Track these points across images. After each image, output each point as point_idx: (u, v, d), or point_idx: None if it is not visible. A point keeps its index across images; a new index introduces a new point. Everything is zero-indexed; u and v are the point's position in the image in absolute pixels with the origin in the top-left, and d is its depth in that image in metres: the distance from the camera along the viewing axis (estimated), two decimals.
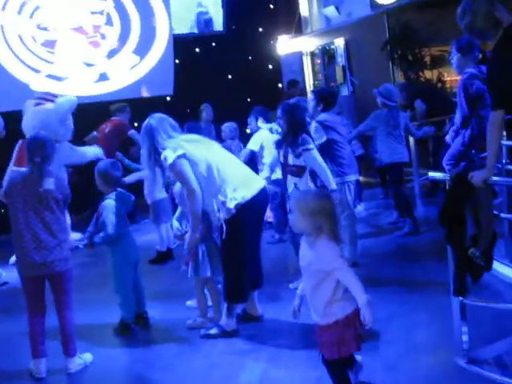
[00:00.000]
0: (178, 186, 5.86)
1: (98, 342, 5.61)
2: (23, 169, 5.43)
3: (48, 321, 5.16)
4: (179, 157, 5.20)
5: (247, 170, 5.63)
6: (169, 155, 5.21)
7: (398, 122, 8.10)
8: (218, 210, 5.25)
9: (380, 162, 8.81)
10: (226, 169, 5.31)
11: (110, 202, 5.67)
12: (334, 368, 3.95)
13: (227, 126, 9.31)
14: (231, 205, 5.19)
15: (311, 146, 6.16)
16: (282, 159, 6.39)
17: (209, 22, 13.42)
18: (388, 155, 8.16)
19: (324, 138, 6.77)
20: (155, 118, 5.47)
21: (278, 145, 6.50)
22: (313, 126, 6.78)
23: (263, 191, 5.44)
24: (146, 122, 5.48)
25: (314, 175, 6.31)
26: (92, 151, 8.42)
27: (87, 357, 5.23)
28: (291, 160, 6.27)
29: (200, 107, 10.92)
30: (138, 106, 11.69)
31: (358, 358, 4.12)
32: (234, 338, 5.40)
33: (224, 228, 5.28)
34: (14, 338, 5.84)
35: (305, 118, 6.45)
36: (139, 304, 5.93)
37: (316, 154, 6.20)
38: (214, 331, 5.48)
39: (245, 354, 5.11)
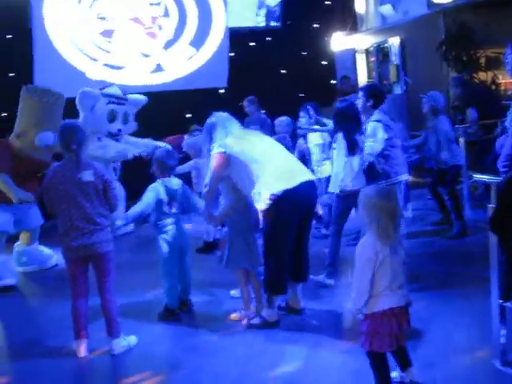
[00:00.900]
0: None
1: (142, 326, 5.75)
2: None
3: (96, 301, 5.32)
4: (220, 153, 5.54)
5: (293, 163, 5.72)
6: (215, 148, 5.59)
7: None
8: (256, 201, 5.41)
9: (438, 163, 8.76)
10: (267, 162, 5.45)
11: (155, 185, 5.87)
12: (372, 359, 4.04)
13: (282, 121, 9.31)
14: (267, 195, 5.32)
15: (334, 145, 6.60)
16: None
17: (271, 14, 13.49)
18: (450, 157, 8.20)
19: (386, 136, 6.82)
20: (217, 116, 5.82)
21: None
22: (372, 125, 6.81)
23: (307, 185, 5.49)
24: (209, 120, 5.84)
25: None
26: (144, 143, 8.71)
27: (131, 339, 5.36)
28: None
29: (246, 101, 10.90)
30: (191, 98, 11.88)
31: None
32: (276, 329, 5.50)
33: (262, 219, 5.46)
34: (63, 318, 6.01)
35: (351, 121, 6.56)
36: (184, 291, 6.06)
37: (336, 154, 6.60)
38: (256, 321, 5.60)
39: (285, 344, 5.21)
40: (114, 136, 8.60)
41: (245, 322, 5.65)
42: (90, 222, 5.10)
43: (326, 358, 4.90)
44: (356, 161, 6.52)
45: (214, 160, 5.58)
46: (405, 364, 4.23)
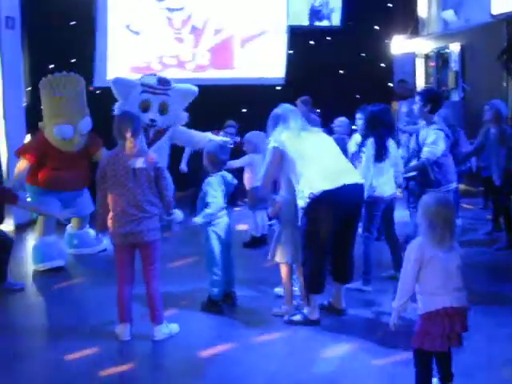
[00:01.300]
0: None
1: (184, 314, 5.85)
2: None
3: (142, 288, 5.44)
4: (274, 147, 5.62)
5: (341, 165, 5.69)
6: (271, 142, 5.68)
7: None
8: (298, 198, 5.48)
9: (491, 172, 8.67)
10: (313, 160, 5.49)
11: (213, 180, 5.92)
12: (418, 358, 4.09)
13: (342, 122, 9.26)
14: (306, 194, 5.38)
15: (364, 149, 6.52)
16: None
17: (316, 14, 13.46)
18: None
19: (444, 147, 6.81)
20: (282, 109, 5.89)
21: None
22: (434, 133, 6.79)
23: (351, 188, 5.48)
24: (274, 111, 5.91)
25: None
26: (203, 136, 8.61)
27: (174, 327, 5.46)
28: None
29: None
30: (248, 93, 11.96)
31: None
32: (316, 327, 5.54)
33: (301, 216, 5.52)
34: (109, 301, 6.14)
35: (384, 125, 6.53)
36: (228, 283, 6.14)
37: (364, 159, 6.51)
38: (297, 318, 5.64)
39: (324, 343, 5.25)
40: (149, 126, 8.25)
41: (286, 317, 5.70)
42: (140, 209, 5.21)
43: (364, 360, 4.92)
44: (386, 167, 6.52)
45: (268, 154, 5.69)
46: (446, 376, 4.22)
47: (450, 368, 4.21)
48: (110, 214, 5.31)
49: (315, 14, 13.40)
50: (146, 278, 5.36)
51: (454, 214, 4.21)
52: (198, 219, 5.82)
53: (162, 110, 8.22)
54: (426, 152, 6.72)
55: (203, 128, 9.13)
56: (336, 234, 5.68)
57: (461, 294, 4.05)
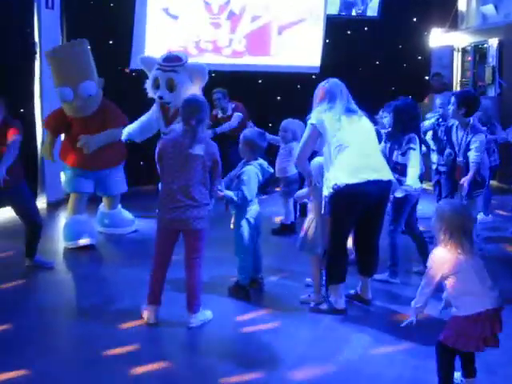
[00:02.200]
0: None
1: (212, 299, 5.85)
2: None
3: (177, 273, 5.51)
4: (313, 124, 5.59)
5: (370, 158, 5.59)
6: (311, 118, 5.65)
7: None
8: (325, 187, 5.50)
9: None
10: (346, 150, 5.44)
11: (252, 169, 5.91)
12: (442, 354, 4.11)
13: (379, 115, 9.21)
14: (330, 184, 5.39)
15: (415, 146, 6.28)
16: (387, 153, 6.50)
17: (354, 4, 13.41)
18: None
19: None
20: (331, 84, 5.79)
21: (387, 138, 6.63)
22: (480, 138, 6.81)
23: (375, 183, 5.43)
24: (321, 84, 5.86)
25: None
26: None
27: (208, 313, 5.47)
28: (395, 157, 6.43)
29: None
30: (283, 81, 11.97)
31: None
32: (342, 316, 5.58)
33: (324, 204, 5.54)
34: (137, 281, 6.23)
35: (413, 120, 6.45)
36: (256, 269, 6.19)
37: (416, 154, 6.31)
38: (323, 306, 5.69)
39: (348, 333, 5.29)
40: (166, 103, 8.41)
41: (312, 305, 5.75)
42: (188, 197, 5.17)
43: (387, 351, 4.95)
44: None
45: (307, 130, 5.69)
46: (469, 372, 4.26)
47: (473, 364, 4.23)
48: (161, 196, 5.34)
49: (346, 5, 13.33)
50: (188, 266, 5.34)
51: (472, 221, 4.25)
52: (231, 193, 5.81)
53: (170, 86, 8.23)
54: (476, 157, 6.77)
55: None
56: (359, 228, 5.77)
57: (496, 294, 4.06)
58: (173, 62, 8.29)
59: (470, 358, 4.21)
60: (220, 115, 10.61)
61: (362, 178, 5.37)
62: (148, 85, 8.35)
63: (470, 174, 6.77)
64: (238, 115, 10.44)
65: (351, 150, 5.47)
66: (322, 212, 5.59)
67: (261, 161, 6.02)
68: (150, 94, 8.40)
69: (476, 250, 4.13)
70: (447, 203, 4.25)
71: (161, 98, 8.25)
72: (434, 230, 4.15)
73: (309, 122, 5.63)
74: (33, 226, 6.76)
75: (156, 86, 8.25)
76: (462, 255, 4.00)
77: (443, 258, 4.02)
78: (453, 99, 6.92)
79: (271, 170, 6.18)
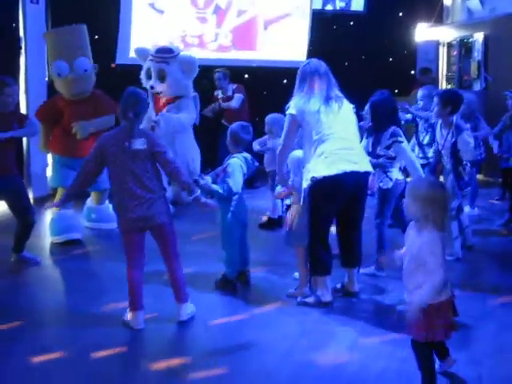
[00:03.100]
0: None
1: (198, 293, 5.84)
2: None
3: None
4: (292, 115, 5.55)
5: (349, 150, 5.54)
6: (290, 106, 5.60)
7: None
8: (304, 179, 5.51)
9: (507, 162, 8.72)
10: (325, 142, 5.43)
11: (236, 161, 5.89)
12: (420, 351, 4.11)
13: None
14: (308, 176, 5.42)
15: (401, 138, 6.28)
16: (370, 148, 6.50)
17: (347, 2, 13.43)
18: None
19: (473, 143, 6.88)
20: (310, 65, 5.73)
21: (368, 134, 6.64)
22: (466, 136, 6.82)
23: (352, 175, 5.42)
24: (302, 65, 5.79)
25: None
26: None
27: (192, 306, 5.44)
28: (378, 151, 6.44)
29: None
30: (269, 75, 11.99)
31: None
32: (328, 309, 5.59)
33: (303, 196, 5.55)
34: (123, 276, 6.22)
35: (391, 114, 6.45)
36: (243, 262, 6.19)
37: (406, 146, 6.38)
38: (310, 300, 5.69)
39: (335, 325, 5.31)
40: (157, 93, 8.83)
41: (299, 299, 5.76)
42: (147, 191, 5.03)
43: (374, 343, 4.97)
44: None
45: (286, 121, 5.66)
46: (443, 353, 4.31)
47: (444, 345, 4.27)
48: (116, 199, 5.19)
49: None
50: (166, 259, 5.29)
51: (449, 196, 4.18)
52: (217, 187, 5.78)
53: (160, 77, 8.67)
54: (469, 156, 6.83)
55: None
56: (339, 220, 5.80)
57: (449, 284, 4.05)
58: (165, 53, 8.73)
59: (443, 345, 4.26)
60: (220, 95, 10.75)
61: (340, 170, 5.37)
62: (142, 75, 8.62)
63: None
64: (239, 96, 10.61)
65: (330, 142, 5.46)
66: (301, 204, 5.60)
67: (245, 154, 6.02)
68: (144, 83, 8.77)
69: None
70: (420, 181, 4.15)
71: (152, 87, 8.72)
72: (410, 212, 3.99)
73: (288, 112, 5.59)
74: (25, 223, 6.74)
75: (148, 76, 8.71)
76: (441, 233, 3.92)
77: (435, 240, 3.90)
78: (436, 100, 6.93)
79: (256, 164, 6.17)
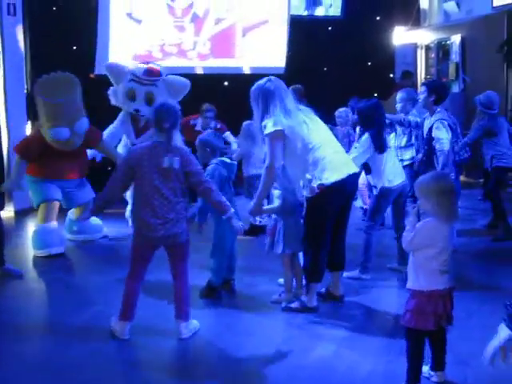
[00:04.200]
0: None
1: None
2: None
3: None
4: (276, 131, 5.36)
5: (343, 153, 5.77)
6: (268, 126, 5.38)
7: (499, 130, 8.17)
8: (304, 187, 5.48)
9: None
10: (321, 150, 5.45)
11: (211, 167, 5.86)
12: (410, 338, 4.15)
13: (341, 112, 9.28)
14: (315, 184, 5.38)
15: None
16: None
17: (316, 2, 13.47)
18: (492, 160, 8.22)
19: (450, 136, 6.90)
20: (274, 83, 5.58)
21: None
22: (438, 125, 6.88)
23: (352, 177, 5.55)
24: (260, 83, 5.60)
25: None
26: None
27: (196, 323, 5.29)
28: None
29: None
30: (248, 83, 11.96)
31: None
32: (314, 314, 5.59)
33: (305, 205, 5.52)
34: (107, 288, 6.21)
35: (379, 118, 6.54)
36: (229, 270, 6.18)
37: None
38: (294, 305, 5.69)
39: (321, 330, 5.31)
40: (136, 116, 8.35)
41: (283, 304, 5.75)
42: (172, 211, 4.92)
43: (360, 346, 4.97)
44: (389, 157, 6.53)
45: (273, 139, 5.40)
46: (438, 364, 4.30)
47: (443, 355, 4.28)
48: (138, 215, 5.03)
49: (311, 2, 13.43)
50: (176, 275, 5.17)
51: (454, 184, 4.23)
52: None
53: (148, 100, 8.19)
54: (439, 147, 6.85)
55: None
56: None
57: (450, 276, 4.11)
58: (153, 76, 8.31)
59: (440, 346, 4.26)
60: (198, 128, 10.22)
61: (345, 173, 5.44)
62: (116, 94, 8.30)
63: (442, 163, 6.86)
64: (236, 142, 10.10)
65: (324, 148, 5.48)
66: (304, 213, 5.58)
67: (223, 158, 5.98)
68: (119, 103, 8.37)
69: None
70: (426, 176, 4.16)
71: (137, 110, 8.23)
72: (426, 208, 4.05)
73: (271, 130, 5.37)
74: None
75: (131, 98, 8.19)
76: (449, 225, 4.02)
77: (436, 227, 4.00)
78: (423, 88, 7.06)
79: (235, 164, 6.12)
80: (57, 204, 7.78)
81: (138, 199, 5.04)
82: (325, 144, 5.54)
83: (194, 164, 5.02)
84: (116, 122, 8.48)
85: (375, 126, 6.43)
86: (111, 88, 8.32)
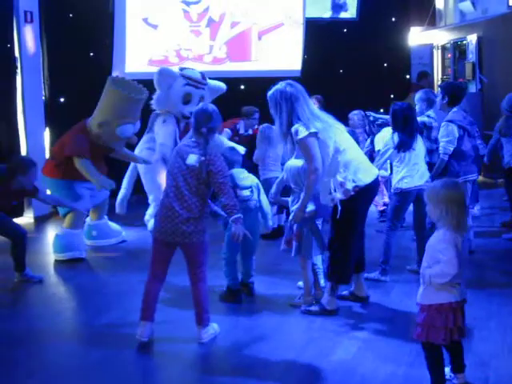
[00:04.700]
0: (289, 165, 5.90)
1: None
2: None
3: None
4: (311, 134, 5.33)
5: (365, 157, 5.87)
6: (301, 130, 5.34)
7: None
8: (335, 190, 5.43)
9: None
10: (350, 152, 5.48)
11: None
12: (427, 351, 4.12)
13: (355, 114, 9.27)
14: (349, 186, 5.36)
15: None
16: None
17: (342, 6, 13.45)
18: (509, 159, 8.18)
19: (457, 135, 6.89)
20: (295, 87, 5.54)
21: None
22: (444, 125, 6.90)
23: (376, 180, 5.64)
24: (281, 87, 5.54)
25: None
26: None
27: (216, 326, 5.30)
28: None
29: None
30: (264, 86, 11.99)
31: None
32: (334, 317, 5.59)
33: (339, 208, 5.44)
34: (128, 292, 6.24)
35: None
36: (246, 274, 6.22)
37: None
38: (314, 308, 5.70)
39: (341, 333, 5.31)
40: (187, 118, 8.42)
41: (303, 308, 5.76)
42: (185, 209, 4.97)
43: (380, 349, 4.98)
44: (411, 158, 6.55)
45: (309, 143, 5.34)
46: (458, 367, 4.27)
47: (461, 357, 4.25)
48: (159, 207, 5.18)
49: (337, 7, 13.41)
50: (192, 280, 5.16)
51: (465, 195, 4.18)
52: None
53: (200, 103, 8.29)
54: (440, 148, 6.89)
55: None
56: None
57: (462, 287, 4.06)
58: (205, 80, 8.55)
59: (457, 351, 4.23)
60: (242, 132, 10.16)
61: (375, 175, 5.56)
62: (165, 99, 8.31)
63: (437, 166, 6.90)
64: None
65: (351, 151, 5.52)
66: (337, 216, 5.47)
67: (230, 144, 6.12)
68: (167, 107, 8.34)
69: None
70: (437, 182, 4.14)
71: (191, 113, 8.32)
72: (432, 215, 4.05)
73: (305, 132, 5.30)
74: (16, 239, 6.76)
75: (186, 102, 8.27)
76: (459, 235, 3.96)
77: (451, 238, 3.93)
78: (439, 90, 7.07)
79: (241, 152, 6.25)
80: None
81: (163, 193, 5.18)
82: (352, 147, 5.61)
83: (217, 165, 5.01)
84: (165, 125, 8.43)
85: (407, 127, 6.49)
86: (157, 94, 8.34)
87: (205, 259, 5.17)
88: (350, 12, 13.34)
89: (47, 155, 8.62)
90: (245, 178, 6.11)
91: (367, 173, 5.49)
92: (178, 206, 4.98)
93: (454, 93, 7.03)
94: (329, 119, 5.55)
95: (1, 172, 6.70)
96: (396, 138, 6.54)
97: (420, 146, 6.65)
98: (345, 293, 5.98)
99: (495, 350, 4.84)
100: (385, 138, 7.19)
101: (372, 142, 8.23)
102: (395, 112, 6.62)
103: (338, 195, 5.43)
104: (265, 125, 8.59)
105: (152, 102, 8.25)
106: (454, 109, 7.00)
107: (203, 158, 4.97)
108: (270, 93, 5.63)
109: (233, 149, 6.29)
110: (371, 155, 7.61)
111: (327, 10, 13.29)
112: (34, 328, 5.64)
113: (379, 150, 7.17)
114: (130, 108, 7.68)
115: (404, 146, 6.48)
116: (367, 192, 5.50)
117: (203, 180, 5.00)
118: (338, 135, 5.50)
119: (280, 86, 5.56)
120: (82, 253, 7.66)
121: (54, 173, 7.75)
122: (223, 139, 8.58)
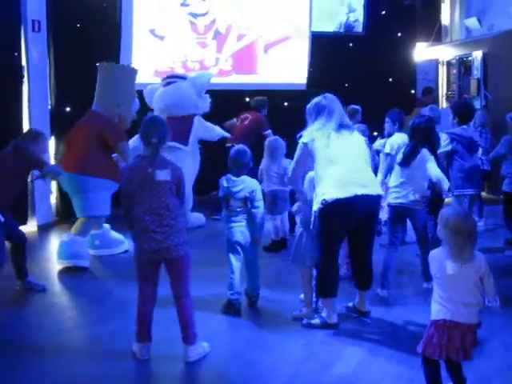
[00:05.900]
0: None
1: (204, 317, 5.72)
2: None
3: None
4: (303, 143, 5.66)
5: (359, 173, 5.60)
6: (304, 136, 5.71)
7: None
8: (315, 202, 5.53)
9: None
10: (334, 166, 5.48)
11: (221, 180, 6.11)
12: (425, 367, 4.14)
13: (358, 127, 9.26)
14: (320, 198, 5.44)
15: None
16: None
17: (353, 25, 13.53)
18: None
19: (448, 148, 6.98)
20: (329, 100, 5.79)
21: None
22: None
23: (363, 198, 5.45)
24: (317, 100, 5.80)
25: None
26: (218, 129, 9.15)
27: (205, 346, 5.16)
28: None
29: None
30: (270, 99, 12.05)
31: None
32: (335, 330, 5.58)
33: (313, 218, 5.58)
34: (130, 301, 6.21)
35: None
36: (252, 287, 6.24)
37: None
38: (315, 321, 5.69)
39: (342, 347, 5.30)
40: None
41: (304, 321, 5.75)
42: (164, 225, 4.85)
43: (381, 364, 4.97)
44: (402, 173, 6.51)
45: (298, 149, 5.76)
46: (458, 382, 4.26)
47: (461, 374, 4.24)
48: (134, 229, 5.00)
49: (350, 27, 13.52)
50: (176, 296, 5.03)
51: (476, 226, 4.15)
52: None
53: None
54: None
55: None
56: (351, 242, 5.90)
57: (469, 311, 4.03)
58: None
59: (455, 367, 4.22)
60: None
61: (351, 193, 5.40)
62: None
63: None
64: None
65: (339, 165, 5.50)
66: (311, 227, 5.63)
67: (230, 176, 6.07)
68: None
69: (478, 255, 4.08)
70: (449, 210, 4.18)
71: None
72: (440, 235, 4.09)
73: (300, 141, 5.69)
74: (16, 246, 6.74)
75: None
76: (460, 260, 3.97)
77: (441, 259, 4.02)
78: (449, 109, 7.16)
79: (232, 186, 6.10)
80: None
81: (132, 214, 4.96)
82: (342, 161, 5.53)
83: (182, 175, 5.01)
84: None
85: (429, 140, 6.48)
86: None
87: (188, 272, 5.07)
88: (358, 27, 13.41)
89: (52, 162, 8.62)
90: (239, 185, 6.04)
91: (341, 189, 5.38)
92: (158, 227, 4.85)
93: (462, 112, 7.16)
94: (329, 131, 5.60)
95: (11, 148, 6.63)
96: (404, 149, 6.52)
97: (419, 166, 6.57)
98: (349, 304, 5.99)
99: (497, 368, 4.83)
100: (396, 141, 7.27)
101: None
102: (419, 125, 6.54)
103: (314, 206, 5.54)
104: (272, 138, 8.63)
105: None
106: (464, 126, 7.11)
107: (169, 171, 4.89)
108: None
109: (242, 150, 6.20)
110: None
111: (341, 28, 13.43)
112: (35, 337, 5.65)
113: (387, 153, 7.27)
114: (133, 84, 8.51)
115: (409, 159, 6.44)
116: (337, 208, 5.39)
117: (176, 193, 4.95)
118: (330, 147, 5.53)
119: (316, 98, 5.84)
120: (87, 262, 7.67)
121: (98, 172, 7.73)
122: (216, 127, 9.05)
